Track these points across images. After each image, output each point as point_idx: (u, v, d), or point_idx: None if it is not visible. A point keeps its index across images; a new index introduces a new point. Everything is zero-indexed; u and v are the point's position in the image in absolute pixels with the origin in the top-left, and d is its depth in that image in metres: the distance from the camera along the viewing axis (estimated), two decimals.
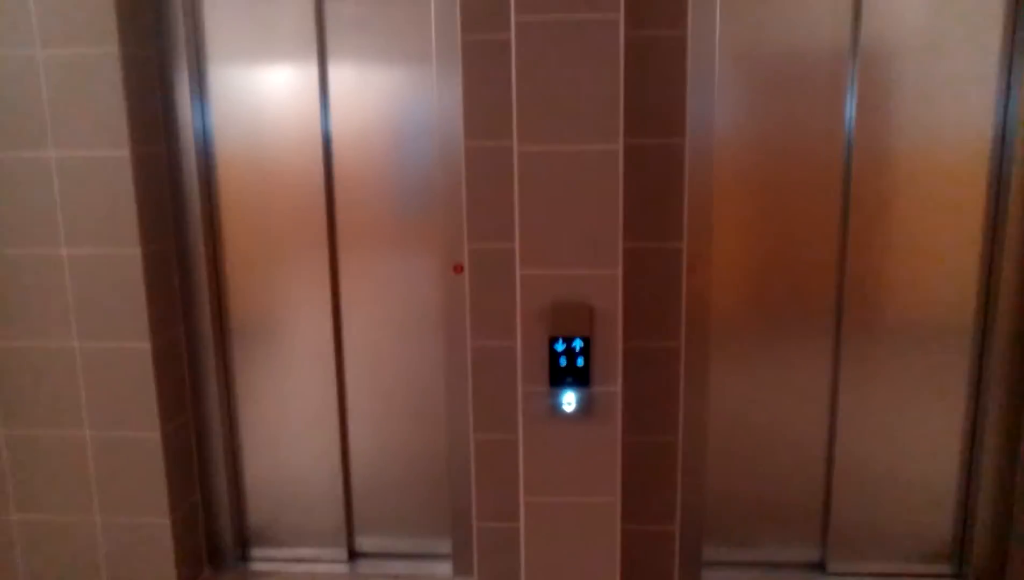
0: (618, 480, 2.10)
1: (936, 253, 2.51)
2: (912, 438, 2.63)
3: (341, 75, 2.56)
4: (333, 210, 2.65)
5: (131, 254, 2.43)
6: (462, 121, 2.27)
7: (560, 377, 2.04)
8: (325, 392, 2.76)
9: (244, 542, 2.92)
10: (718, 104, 2.45)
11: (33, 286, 2.48)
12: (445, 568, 2.81)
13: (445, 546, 2.84)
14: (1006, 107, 2.41)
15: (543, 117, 1.92)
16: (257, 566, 2.88)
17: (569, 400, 2.05)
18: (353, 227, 2.65)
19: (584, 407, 2.06)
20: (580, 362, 2.02)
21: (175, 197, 2.60)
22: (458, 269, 2.52)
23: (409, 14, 2.49)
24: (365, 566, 2.86)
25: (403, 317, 2.69)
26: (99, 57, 2.32)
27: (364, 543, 2.90)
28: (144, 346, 2.49)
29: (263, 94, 2.57)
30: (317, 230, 2.64)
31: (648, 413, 2.44)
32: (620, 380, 2.05)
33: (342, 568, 2.86)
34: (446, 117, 2.44)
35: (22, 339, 2.52)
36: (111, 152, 2.38)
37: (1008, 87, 2.40)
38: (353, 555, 2.90)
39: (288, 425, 2.81)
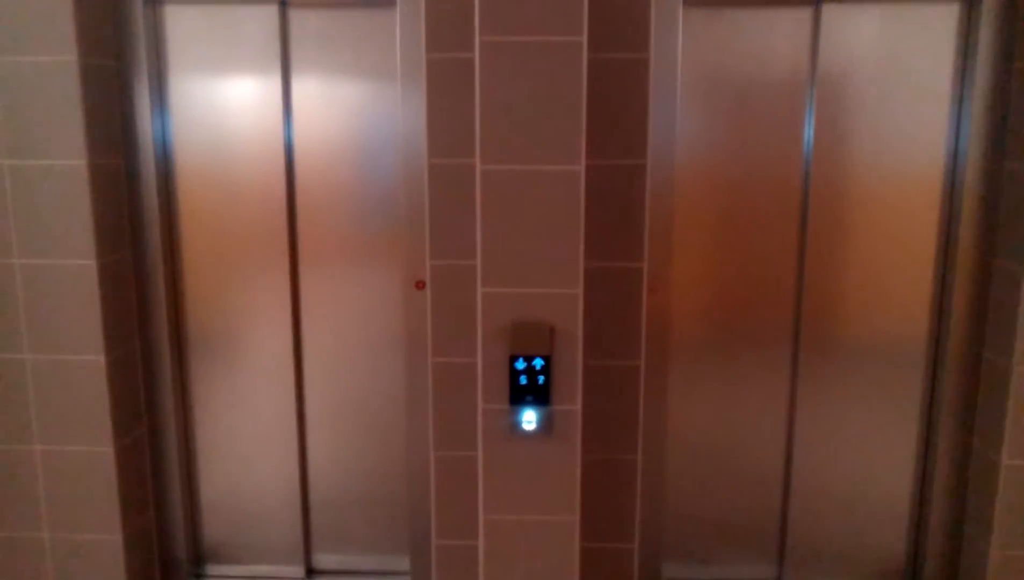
0: (577, 498, 2.10)
1: (891, 273, 2.57)
2: (867, 455, 2.68)
3: (304, 89, 2.54)
4: (294, 223, 2.63)
5: (86, 265, 2.39)
6: (425, 138, 2.27)
7: (520, 395, 2.04)
8: (284, 407, 2.73)
9: (199, 559, 2.87)
10: (680, 126, 2.48)
11: None
12: None
13: (404, 564, 2.82)
14: (958, 131, 2.47)
15: (506, 136, 1.93)
16: None
17: (529, 418, 2.05)
18: (314, 241, 2.63)
19: (544, 425, 2.06)
20: (540, 380, 2.03)
21: (133, 208, 2.56)
22: (420, 285, 2.52)
23: (374, 30, 2.49)
24: None
25: (364, 332, 2.68)
26: (56, 65, 2.29)
27: (322, 560, 2.86)
28: (98, 359, 2.44)
29: (225, 106, 2.55)
30: (278, 243, 2.62)
31: (608, 431, 2.45)
32: (580, 399, 2.06)
33: None
34: (410, 133, 2.44)
35: None
36: (67, 161, 2.33)
37: (959, 112, 2.46)
38: (311, 572, 2.86)
39: (246, 440, 2.77)
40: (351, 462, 2.77)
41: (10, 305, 2.43)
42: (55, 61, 2.28)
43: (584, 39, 1.88)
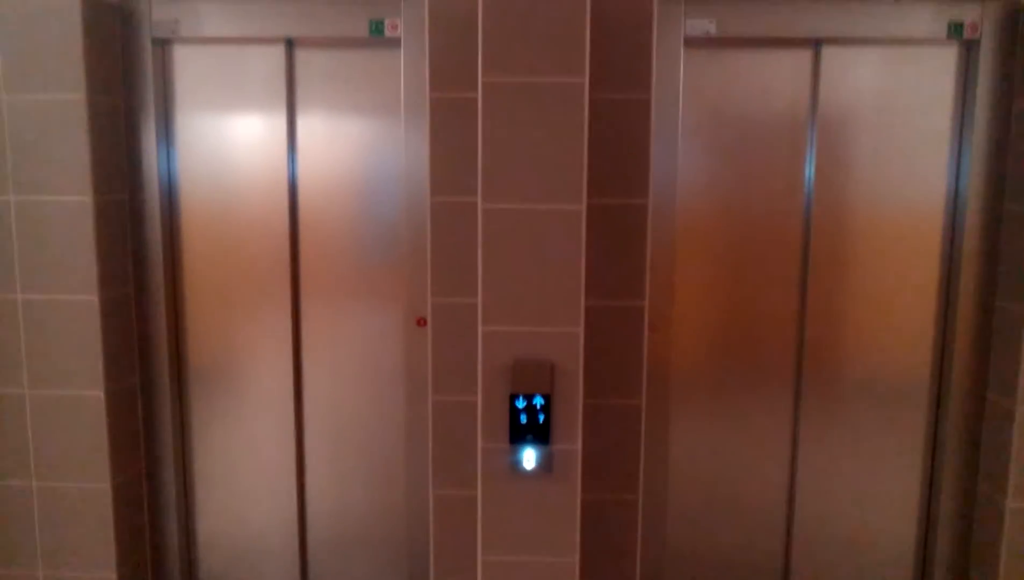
0: (577, 539, 2.08)
1: (892, 312, 2.56)
2: (870, 494, 2.65)
3: (309, 127, 2.57)
4: (297, 260, 2.64)
5: (88, 301, 2.39)
6: (428, 176, 2.29)
7: (520, 434, 2.03)
8: (283, 444, 2.71)
9: None
10: (681, 166, 2.50)
11: None
12: None
13: None
14: (958, 170, 2.49)
15: (508, 175, 1.94)
16: None
17: (529, 458, 2.03)
18: (317, 277, 2.64)
19: (544, 465, 2.04)
20: (541, 419, 2.02)
21: (137, 244, 2.57)
22: (421, 322, 2.52)
23: (379, 69, 2.52)
24: None
25: (364, 369, 2.67)
26: (65, 103, 2.31)
27: None
28: (97, 394, 2.44)
29: (230, 143, 2.58)
30: (280, 280, 2.63)
31: (608, 470, 2.43)
32: (580, 438, 2.05)
33: None
34: (413, 171, 2.46)
35: None
36: (73, 197, 2.35)
37: (959, 152, 2.48)
38: None
39: (244, 476, 2.75)
40: (349, 499, 2.75)
41: (11, 339, 2.43)
42: (64, 99, 2.31)
43: (586, 80, 1.90)
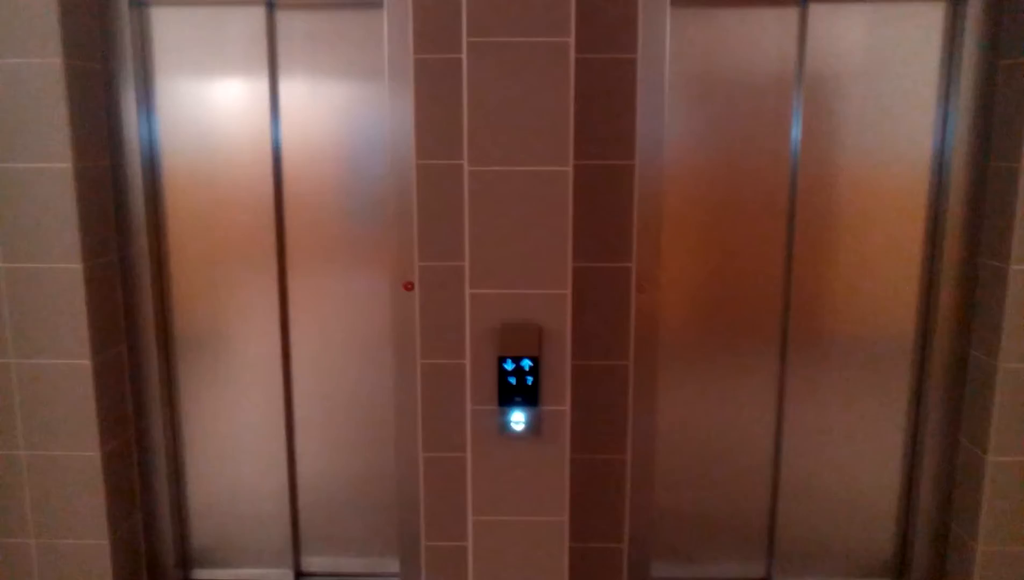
0: (566, 499, 2.10)
1: (878, 271, 2.58)
2: (855, 453, 2.69)
3: (291, 89, 2.54)
4: (282, 225, 2.62)
5: (72, 269, 2.37)
6: (413, 139, 2.27)
7: (509, 396, 2.04)
8: (272, 409, 2.72)
9: (186, 562, 2.86)
10: (667, 126, 2.49)
11: None
12: None
13: (393, 565, 2.81)
14: (944, 130, 2.49)
15: (494, 137, 1.93)
16: None
17: (518, 419, 2.05)
18: (303, 242, 2.63)
19: (533, 426, 2.06)
20: (529, 381, 2.03)
21: (120, 211, 2.55)
22: (408, 286, 2.51)
23: (362, 30, 2.48)
24: None
25: (352, 334, 2.67)
26: (42, 68, 2.27)
27: (311, 563, 2.85)
28: (84, 363, 2.43)
29: (212, 107, 2.54)
30: (266, 245, 2.61)
31: (596, 431, 2.46)
32: (568, 399, 2.06)
33: None
34: (398, 134, 2.43)
35: None
36: (52, 164, 2.32)
37: (945, 111, 2.48)
38: (299, 575, 2.85)
39: (233, 443, 2.76)
40: (340, 464, 2.77)
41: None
42: (41, 64, 2.27)
43: (572, 40, 1.88)
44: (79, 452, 2.49)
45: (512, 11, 1.88)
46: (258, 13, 2.48)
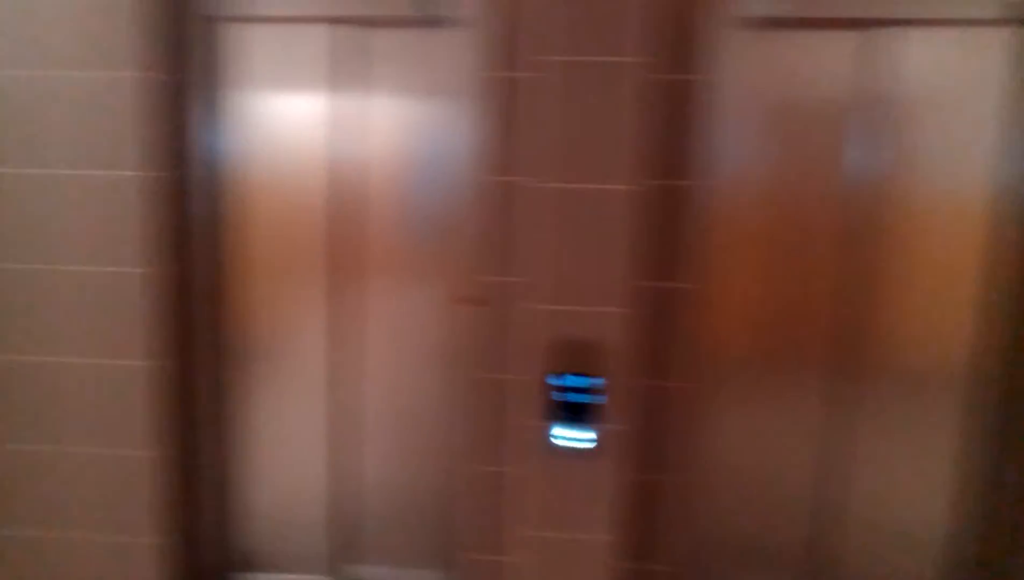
0: (615, 518, 2.10)
1: (938, 298, 2.55)
2: (907, 483, 2.65)
3: (356, 106, 2.58)
4: (341, 237, 2.65)
5: (134, 274, 2.43)
6: (479, 155, 2.29)
7: (561, 413, 2.04)
8: (321, 419, 2.75)
9: (228, 567, 2.88)
10: (729, 149, 2.49)
11: (32, 301, 2.47)
12: None
13: (435, 578, 2.81)
14: (1006, 165, 2.46)
15: (559, 155, 1.94)
16: None
17: (569, 436, 2.05)
18: (360, 256, 2.66)
19: (586, 444, 2.06)
20: (583, 399, 2.03)
21: (183, 220, 2.59)
22: (468, 301, 2.53)
23: (431, 48, 2.52)
24: None
25: (408, 346, 2.69)
26: (116, 80, 2.34)
27: (352, 572, 2.87)
28: (141, 365, 2.47)
29: (278, 121, 2.59)
30: (323, 257, 2.65)
31: (646, 451, 2.45)
32: (622, 418, 2.06)
33: None
34: (462, 150, 2.46)
35: (12, 354, 2.50)
36: (121, 173, 2.38)
37: (1008, 146, 2.45)
38: None
39: (283, 450, 2.79)
40: (388, 474, 2.78)
41: (59, 310, 2.47)
42: (115, 76, 2.33)
43: (639, 60, 1.90)
44: (131, 452, 2.53)
45: (579, 31, 1.90)
46: (323, 31, 2.53)
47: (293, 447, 2.78)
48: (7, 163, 2.41)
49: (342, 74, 2.57)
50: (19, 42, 2.35)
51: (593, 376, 2.01)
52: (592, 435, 2.05)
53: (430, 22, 2.49)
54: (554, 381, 2.02)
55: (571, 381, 2.01)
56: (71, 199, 2.41)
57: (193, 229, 2.60)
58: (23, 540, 2.61)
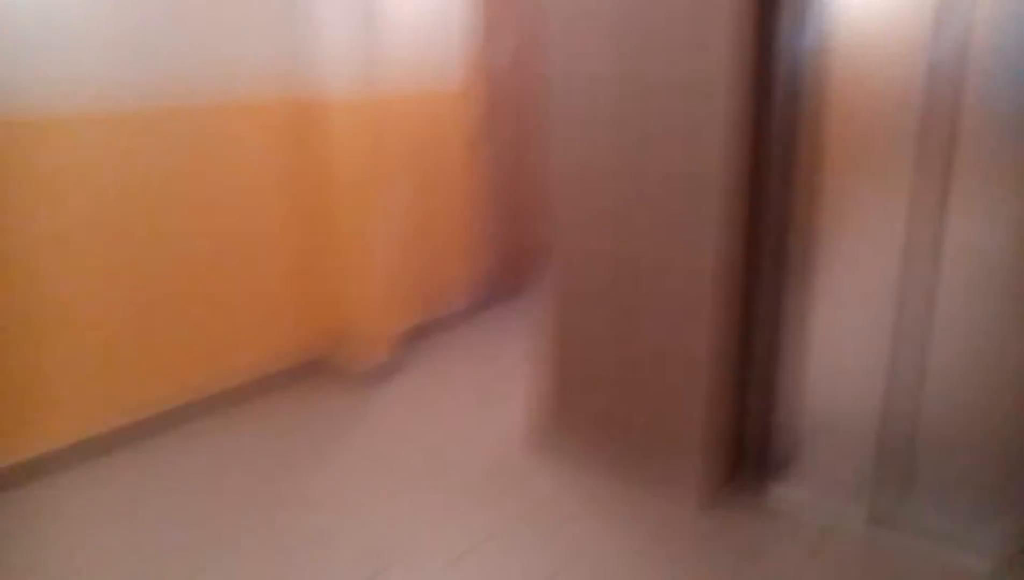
0: None
1: None
2: None
3: None
4: (932, 139, 2.35)
5: (714, 174, 2.51)
6: None
7: None
8: (882, 334, 2.54)
9: (764, 473, 2.89)
10: None
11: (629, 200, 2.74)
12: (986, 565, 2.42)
13: (989, 535, 2.44)
14: None
15: None
16: (773, 503, 2.82)
17: None
18: (949, 160, 2.33)
19: None
20: None
21: (763, 121, 2.57)
22: None
23: None
24: (887, 538, 2.61)
25: (985, 268, 2.31)
26: None
27: (895, 511, 2.63)
28: (708, 265, 2.58)
29: (864, 7, 2.39)
30: (909, 160, 2.40)
31: None
32: None
33: (860, 530, 2.65)
34: None
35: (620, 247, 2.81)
36: (709, 68, 2.44)
37: None
38: (874, 520, 2.66)
39: (835, 360, 2.67)
40: (967, 400, 2.43)
41: (634, 205, 2.72)
42: None
43: None
44: (690, 346, 2.69)
45: None
46: None
47: (847, 358, 2.65)
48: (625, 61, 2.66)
49: None
50: None
51: None
52: None
53: None
54: None
55: None
56: (644, 101, 2.59)
57: (772, 132, 2.58)
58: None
